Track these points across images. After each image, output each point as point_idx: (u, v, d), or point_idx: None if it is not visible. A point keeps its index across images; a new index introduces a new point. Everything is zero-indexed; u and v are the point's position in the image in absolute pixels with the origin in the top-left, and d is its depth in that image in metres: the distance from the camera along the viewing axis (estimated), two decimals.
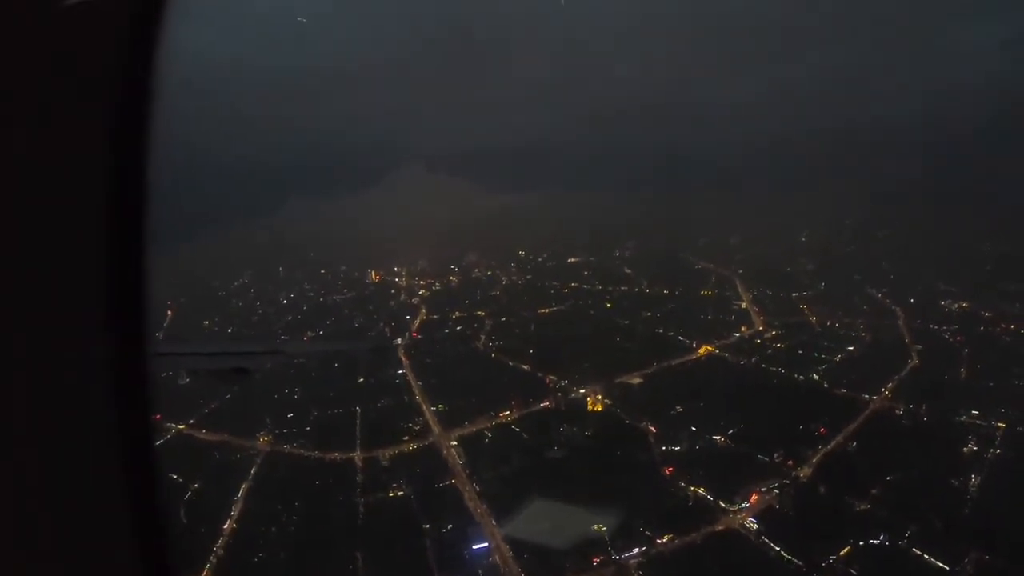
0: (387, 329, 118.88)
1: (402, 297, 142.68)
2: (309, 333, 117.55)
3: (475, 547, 55.09)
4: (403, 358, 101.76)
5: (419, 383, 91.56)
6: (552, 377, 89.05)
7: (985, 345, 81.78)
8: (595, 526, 55.86)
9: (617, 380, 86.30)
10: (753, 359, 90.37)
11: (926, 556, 47.60)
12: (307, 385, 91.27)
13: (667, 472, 64.40)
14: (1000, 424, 62.14)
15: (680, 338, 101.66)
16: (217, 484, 67.58)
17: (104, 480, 2.65)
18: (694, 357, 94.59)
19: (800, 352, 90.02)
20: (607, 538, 54.27)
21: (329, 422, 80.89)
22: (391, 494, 65.00)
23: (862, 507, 54.39)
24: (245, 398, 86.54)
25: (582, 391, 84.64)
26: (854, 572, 47.11)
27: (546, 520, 57.81)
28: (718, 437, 69.63)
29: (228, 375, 13.60)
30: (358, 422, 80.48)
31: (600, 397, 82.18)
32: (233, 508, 63.41)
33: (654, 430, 72.77)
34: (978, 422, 63.61)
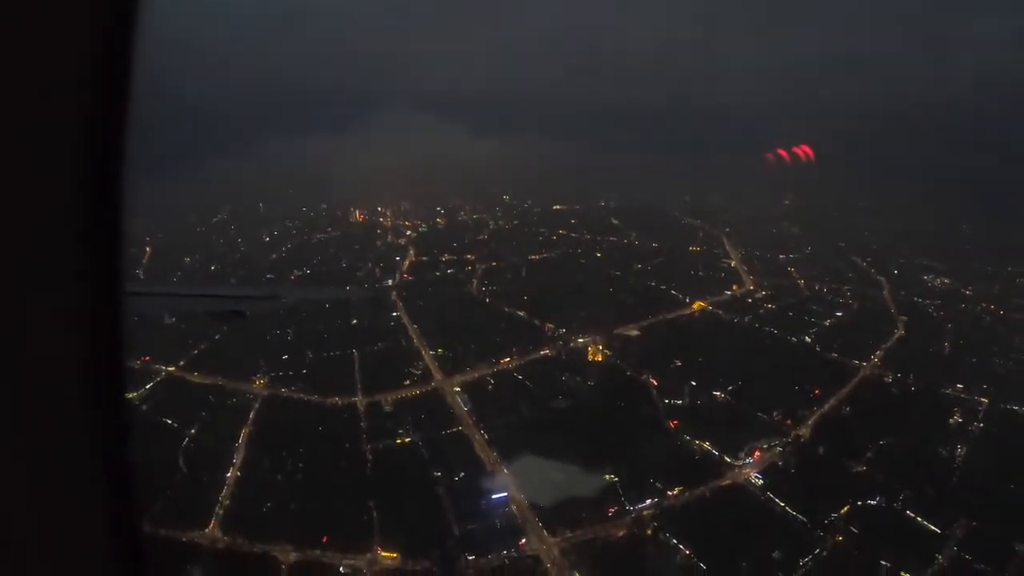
0: (376, 269, 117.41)
1: (389, 238, 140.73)
2: (296, 272, 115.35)
3: (494, 496, 56.52)
4: (396, 300, 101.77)
5: (415, 326, 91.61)
6: (550, 325, 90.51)
7: (967, 323, 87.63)
8: (607, 476, 58.91)
9: (615, 331, 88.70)
10: (746, 318, 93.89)
11: (919, 519, 52.31)
12: (299, 325, 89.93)
13: (672, 425, 67.53)
14: (983, 400, 67.51)
15: (673, 292, 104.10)
16: (215, 430, 66.60)
17: (75, 458, 2.62)
18: (688, 312, 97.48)
19: (791, 314, 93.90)
20: (620, 489, 57.28)
21: (326, 365, 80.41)
22: (398, 441, 65.37)
23: (859, 469, 58.78)
24: (236, 339, 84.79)
25: (581, 340, 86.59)
26: (854, 529, 51.42)
27: (534, 475, 59.99)
28: (718, 393, 72.94)
29: (224, 317, 13.99)
30: (356, 365, 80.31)
31: (601, 347, 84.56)
32: (235, 456, 62.59)
33: (655, 383, 75.50)
34: (962, 396, 68.87)
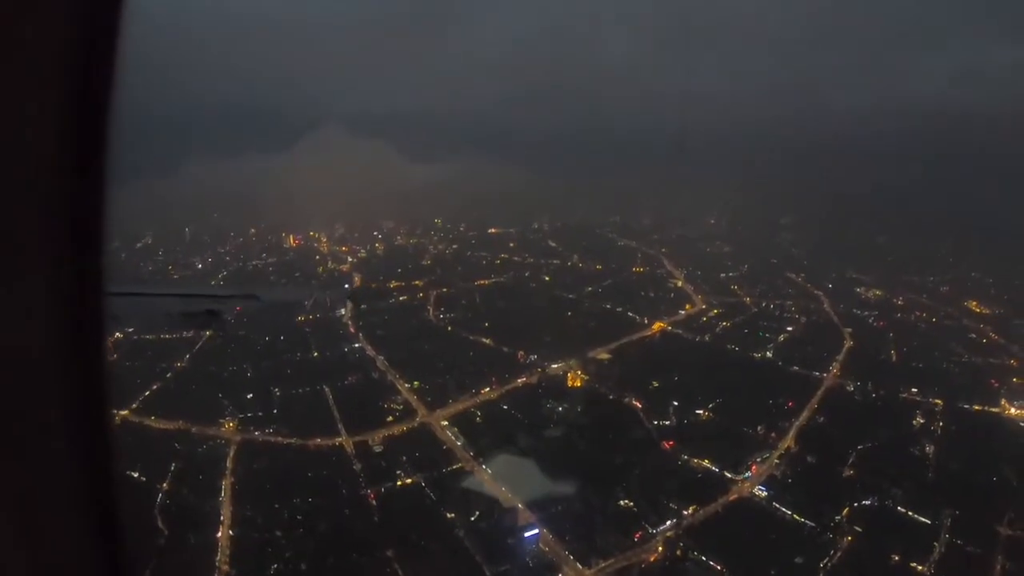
0: (328, 299, 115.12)
1: (330, 264, 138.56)
2: (239, 304, 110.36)
3: (523, 534, 57.66)
4: (354, 330, 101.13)
5: (381, 358, 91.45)
6: (522, 352, 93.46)
7: (906, 330, 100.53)
8: (623, 502, 62.44)
9: (588, 355, 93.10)
10: (707, 336, 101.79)
11: (911, 513, 60.05)
12: (256, 360, 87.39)
13: (667, 446, 72.33)
14: (938, 401, 78.12)
15: (630, 314, 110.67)
16: (191, 483, 63.17)
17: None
18: (649, 333, 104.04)
19: (746, 331, 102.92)
20: (639, 513, 60.91)
21: (298, 403, 78.55)
22: (399, 483, 65.26)
23: (848, 473, 66.24)
24: (191, 377, 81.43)
25: (556, 366, 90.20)
26: (859, 529, 58.18)
27: (509, 473, 64.25)
28: (701, 411, 78.88)
29: (200, 317, 14.41)
30: (331, 401, 79.17)
31: (579, 373, 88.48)
32: (221, 511, 59.63)
33: (639, 405, 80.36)
34: (918, 399, 79.28)
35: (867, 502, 61.77)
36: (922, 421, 74.82)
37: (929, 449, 69.78)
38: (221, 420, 73.63)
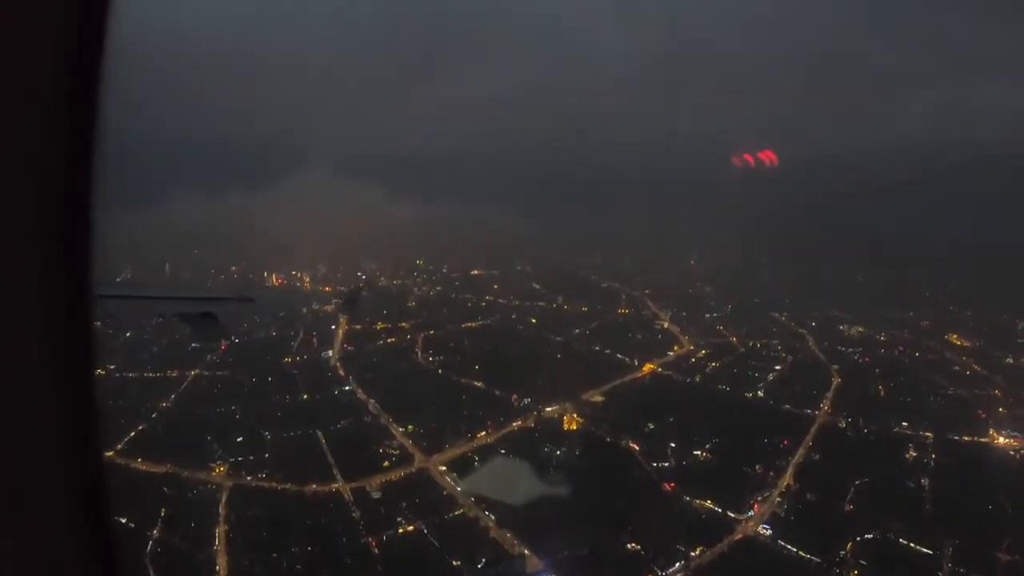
0: (313, 339, 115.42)
1: (315, 305, 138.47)
2: (223, 342, 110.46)
3: None
4: (343, 373, 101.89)
5: (372, 401, 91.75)
6: (515, 396, 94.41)
7: (891, 365, 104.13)
8: (630, 545, 63.21)
9: (582, 397, 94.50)
10: (697, 377, 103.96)
11: (912, 545, 61.92)
12: (244, 402, 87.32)
13: (668, 488, 73.54)
14: (928, 434, 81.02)
15: (619, 356, 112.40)
16: (183, 531, 62.38)
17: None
18: (640, 375, 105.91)
19: (735, 371, 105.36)
20: (647, 556, 61.72)
21: (290, 447, 78.32)
22: (401, 530, 65.24)
23: (848, 508, 68.13)
24: (178, 418, 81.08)
25: (550, 409, 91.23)
26: (864, 563, 59.79)
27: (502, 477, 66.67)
28: (699, 452, 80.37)
29: (195, 320, 14.56)
30: (324, 446, 79.00)
31: (575, 416, 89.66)
32: (216, 561, 59.03)
33: (637, 447, 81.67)
34: (909, 432, 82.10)
35: (869, 536, 63.50)
36: (915, 454, 77.53)
37: (924, 481, 72.25)
38: (211, 464, 73.06)
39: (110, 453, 71.50)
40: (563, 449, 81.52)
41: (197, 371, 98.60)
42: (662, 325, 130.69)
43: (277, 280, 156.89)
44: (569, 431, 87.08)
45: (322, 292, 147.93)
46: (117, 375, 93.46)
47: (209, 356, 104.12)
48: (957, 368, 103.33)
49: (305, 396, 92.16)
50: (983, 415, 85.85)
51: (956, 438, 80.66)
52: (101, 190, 2.76)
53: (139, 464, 71.64)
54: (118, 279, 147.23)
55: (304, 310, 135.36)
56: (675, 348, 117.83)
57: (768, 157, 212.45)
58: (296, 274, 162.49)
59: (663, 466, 78.00)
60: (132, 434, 76.66)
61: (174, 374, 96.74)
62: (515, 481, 71.11)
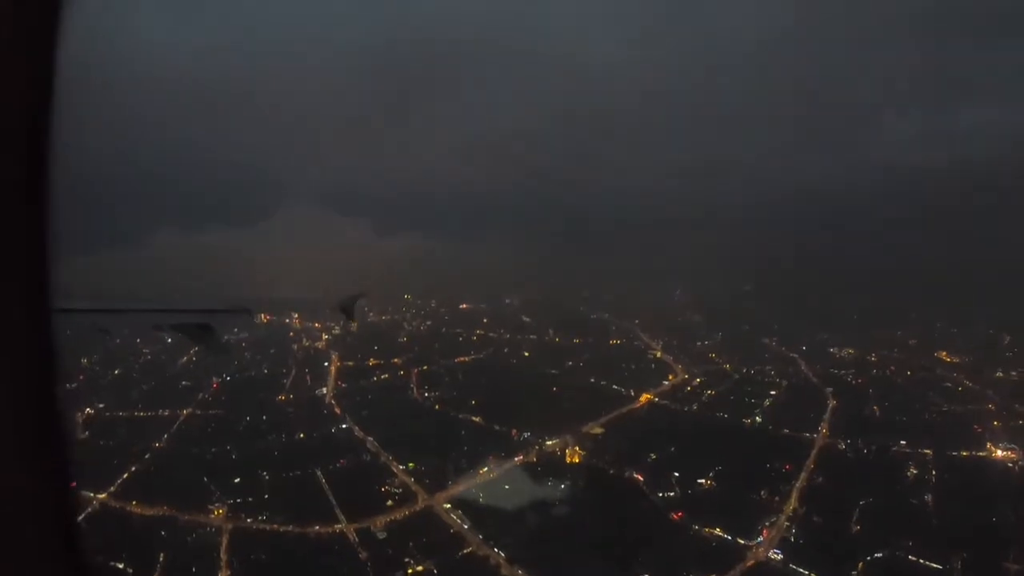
0: (307, 376, 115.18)
1: (305, 341, 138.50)
2: (216, 379, 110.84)
3: None
4: (339, 410, 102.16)
5: (371, 439, 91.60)
6: (514, 430, 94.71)
7: (884, 385, 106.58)
8: None
9: (582, 430, 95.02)
10: (694, 406, 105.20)
11: (922, 561, 62.96)
12: (240, 442, 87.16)
13: (676, 517, 73.97)
14: (927, 451, 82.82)
15: (615, 387, 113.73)
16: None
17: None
18: (637, 406, 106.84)
19: (732, 398, 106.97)
20: None
21: (290, 488, 77.66)
22: (410, 571, 64.64)
23: (855, 529, 69.08)
24: (171, 459, 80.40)
25: (551, 443, 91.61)
26: None
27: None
28: (703, 480, 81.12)
29: (191, 331, 14.34)
30: (324, 485, 78.49)
31: (577, 448, 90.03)
32: None
33: (641, 478, 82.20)
34: (908, 450, 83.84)
35: (879, 555, 64.43)
36: (916, 471, 79.12)
37: (928, 497, 73.70)
38: (209, 506, 71.99)
39: (103, 495, 71.36)
40: (567, 483, 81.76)
41: (189, 410, 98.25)
42: (655, 355, 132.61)
43: (265, 317, 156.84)
44: (572, 464, 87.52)
45: (312, 328, 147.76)
46: (107, 414, 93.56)
47: (201, 395, 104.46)
48: (949, 384, 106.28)
49: (302, 435, 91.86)
50: (979, 429, 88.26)
51: (955, 453, 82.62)
52: (57, 219, 2.78)
53: (134, 507, 70.74)
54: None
55: (295, 347, 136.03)
56: (670, 377, 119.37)
57: None
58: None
59: (669, 496, 78.50)
60: (125, 476, 75.66)
61: (166, 413, 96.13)
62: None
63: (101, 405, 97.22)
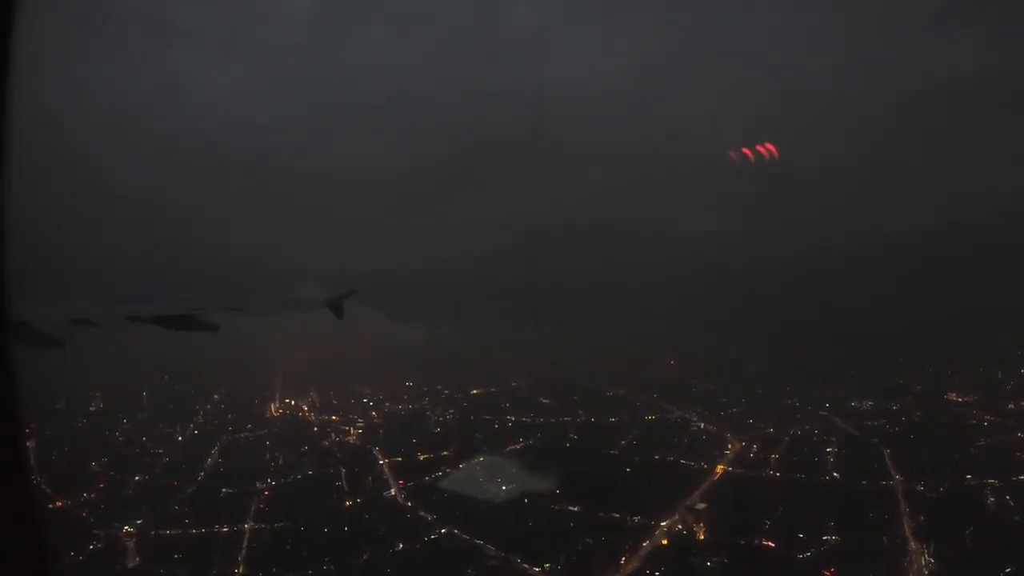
0: (370, 478, 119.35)
1: (334, 436, 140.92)
2: (260, 484, 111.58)
3: None
4: (422, 513, 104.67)
5: (479, 541, 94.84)
6: (617, 515, 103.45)
7: (917, 430, 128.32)
8: None
9: (686, 506, 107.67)
10: (768, 471, 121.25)
11: None
12: (333, 561, 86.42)
13: (829, 574, 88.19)
14: (992, 480, 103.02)
15: (683, 461, 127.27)
16: None
17: None
18: (719, 477, 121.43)
19: (795, 459, 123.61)
20: None
21: None
22: None
23: (980, 555, 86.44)
24: None
25: (664, 524, 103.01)
26: None
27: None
28: (827, 537, 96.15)
29: (173, 321, 14.78)
30: None
31: (700, 524, 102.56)
32: None
33: (773, 544, 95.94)
34: (976, 482, 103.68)
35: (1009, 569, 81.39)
36: (994, 498, 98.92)
37: (1017, 518, 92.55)
38: None
39: None
40: (712, 560, 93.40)
41: (251, 524, 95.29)
42: (699, 426, 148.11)
43: (276, 410, 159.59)
44: (702, 540, 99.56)
45: (329, 421, 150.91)
46: (152, 533, 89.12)
47: (252, 506, 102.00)
48: (974, 421, 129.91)
49: (401, 545, 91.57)
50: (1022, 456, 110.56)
51: (1015, 479, 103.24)
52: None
53: None
54: (91, 407, 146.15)
55: (326, 443, 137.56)
56: (728, 446, 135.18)
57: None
58: (289, 401, 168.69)
59: (807, 555, 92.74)
60: None
61: (224, 530, 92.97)
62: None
63: (139, 521, 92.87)
